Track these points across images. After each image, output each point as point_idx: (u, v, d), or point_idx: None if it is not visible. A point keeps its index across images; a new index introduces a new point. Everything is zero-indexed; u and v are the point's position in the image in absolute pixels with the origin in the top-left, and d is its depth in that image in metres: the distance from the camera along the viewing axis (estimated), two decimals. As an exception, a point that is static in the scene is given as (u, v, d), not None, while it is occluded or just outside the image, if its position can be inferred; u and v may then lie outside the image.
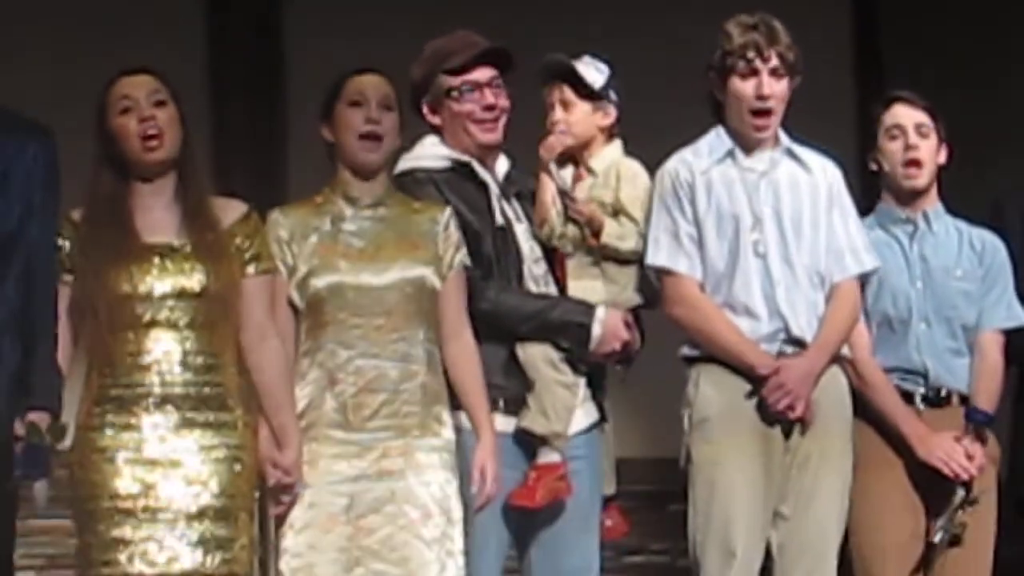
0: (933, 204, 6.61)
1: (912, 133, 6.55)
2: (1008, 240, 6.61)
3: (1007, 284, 6.56)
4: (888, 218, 6.56)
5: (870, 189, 6.71)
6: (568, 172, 6.61)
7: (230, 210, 6.08)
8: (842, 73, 7.10)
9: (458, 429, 6.11)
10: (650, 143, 6.61)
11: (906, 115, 6.61)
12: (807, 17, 6.63)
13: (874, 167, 6.63)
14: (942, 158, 6.61)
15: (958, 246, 6.58)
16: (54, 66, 7.17)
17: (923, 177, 6.56)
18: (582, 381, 6.34)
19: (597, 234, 6.42)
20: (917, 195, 6.58)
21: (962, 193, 6.83)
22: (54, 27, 7.75)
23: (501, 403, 6.21)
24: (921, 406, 6.42)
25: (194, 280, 5.90)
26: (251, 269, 6.02)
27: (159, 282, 5.89)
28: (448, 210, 6.20)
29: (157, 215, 5.98)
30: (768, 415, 6.16)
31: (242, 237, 6.02)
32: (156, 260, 5.91)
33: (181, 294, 5.91)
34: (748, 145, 6.33)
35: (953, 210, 6.68)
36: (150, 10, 8.75)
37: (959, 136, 6.81)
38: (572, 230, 6.48)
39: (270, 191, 7.19)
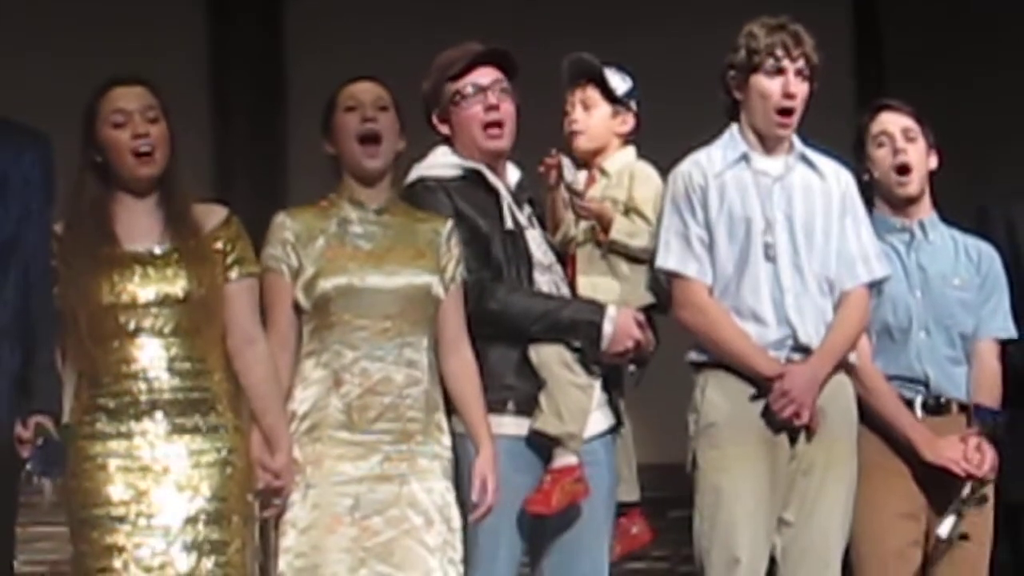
0: (928, 212, 6.54)
1: (899, 138, 6.47)
2: (999, 244, 6.58)
3: (1003, 294, 6.48)
4: (884, 227, 6.42)
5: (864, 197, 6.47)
6: (583, 175, 6.52)
7: (211, 215, 5.98)
8: (843, 78, 6.82)
9: (454, 434, 5.99)
10: (661, 147, 6.49)
11: (892, 121, 6.53)
12: (808, 22, 6.36)
13: (866, 177, 6.50)
14: (932, 163, 6.54)
15: (954, 255, 6.50)
16: (55, 75, 6.93)
17: (914, 183, 6.47)
18: (597, 383, 6.23)
19: (606, 229, 6.32)
20: (910, 203, 6.49)
21: (959, 198, 6.81)
22: (56, 37, 7.62)
23: (511, 405, 6.10)
24: (921, 413, 6.30)
25: (177, 287, 5.80)
26: (234, 273, 5.90)
27: (142, 290, 5.77)
28: (450, 223, 6.13)
29: (139, 223, 5.86)
30: (774, 422, 6.02)
31: (224, 241, 5.91)
32: (138, 268, 5.80)
33: (165, 301, 5.80)
34: (766, 145, 6.22)
35: (947, 217, 6.61)
36: (153, 22, 8.65)
37: (958, 142, 6.79)
38: (583, 226, 6.41)
39: (270, 202, 7.23)
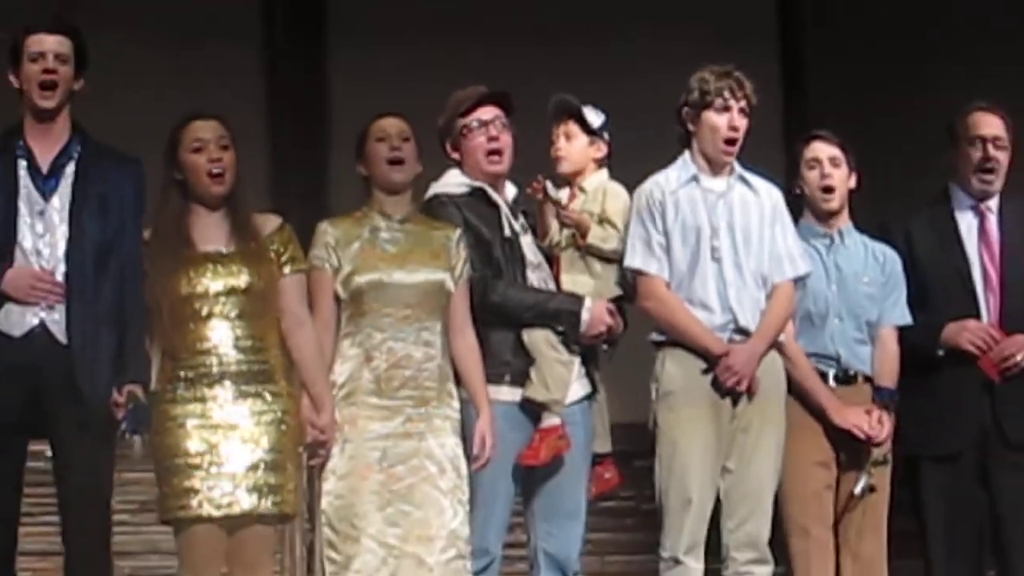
0: (845, 222, 6.53)
1: (827, 164, 6.47)
2: (898, 248, 6.56)
3: (902, 290, 6.48)
4: (809, 233, 6.44)
5: (791, 208, 6.50)
6: (564, 192, 6.57)
7: (268, 223, 6.03)
8: (772, 114, 6.85)
9: (462, 400, 6.04)
10: (628, 169, 6.54)
11: (822, 149, 6.51)
12: (745, 67, 6.46)
13: (797, 191, 6.53)
14: (852, 184, 6.52)
15: (864, 257, 6.49)
16: (144, 112, 6.88)
17: (836, 201, 6.47)
18: (576, 360, 6.26)
19: (584, 235, 6.38)
20: (832, 215, 6.49)
21: (874, 209, 6.81)
22: (144, 81, 7.60)
23: (508, 377, 6.14)
24: (833, 384, 6.34)
25: (241, 280, 5.85)
26: (287, 270, 5.96)
27: (213, 283, 5.83)
28: (459, 231, 6.18)
29: (211, 229, 5.89)
30: (720, 389, 6.08)
31: (278, 244, 5.97)
32: (210, 265, 5.85)
33: (231, 291, 5.85)
34: (713, 169, 6.26)
35: (860, 226, 6.58)
36: (222, 68, 8.66)
37: (868, 166, 6.71)
38: (565, 233, 6.45)
39: (315, 212, 7.12)
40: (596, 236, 6.34)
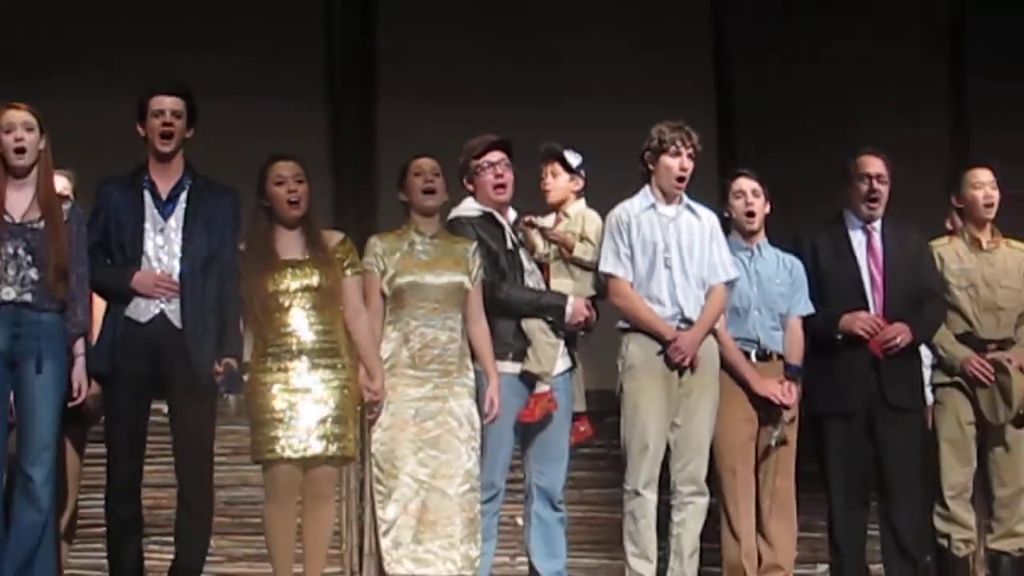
0: (762, 239, 6.52)
1: (749, 195, 6.45)
2: (803, 261, 6.52)
3: (804, 289, 6.45)
4: (736, 247, 6.41)
5: (724, 228, 6.43)
6: (551, 217, 6.62)
7: (333, 238, 6.08)
8: (709, 158, 6.86)
9: (476, 371, 6.06)
10: (601, 199, 6.56)
11: (745, 184, 6.48)
12: (689, 119, 6.50)
13: (727, 215, 6.48)
14: (767, 210, 6.49)
15: (777, 265, 6.46)
16: (231, 152, 6.82)
17: (756, 223, 6.46)
18: (561, 342, 6.26)
19: (571, 250, 6.42)
20: (753, 234, 6.47)
21: (785, 228, 6.74)
22: (232, 125, 7.47)
23: (510, 355, 6.16)
24: (754, 360, 6.33)
25: (313, 280, 5.87)
26: (348, 273, 5.99)
27: (292, 283, 5.85)
28: (475, 244, 6.17)
29: (290, 243, 5.93)
30: (669, 364, 6.10)
31: (341, 253, 6.00)
32: (289, 270, 5.87)
33: (306, 289, 5.86)
34: (667, 199, 6.28)
35: (773, 242, 6.57)
36: (294, 116, 8.56)
37: (784, 193, 6.74)
38: (552, 248, 6.48)
39: (367, 229, 7.07)
40: (579, 251, 6.37)
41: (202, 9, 8.83)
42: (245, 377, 5.81)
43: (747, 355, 6.29)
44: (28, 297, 5.45)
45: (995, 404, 6.39)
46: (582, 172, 6.64)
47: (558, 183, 6.61)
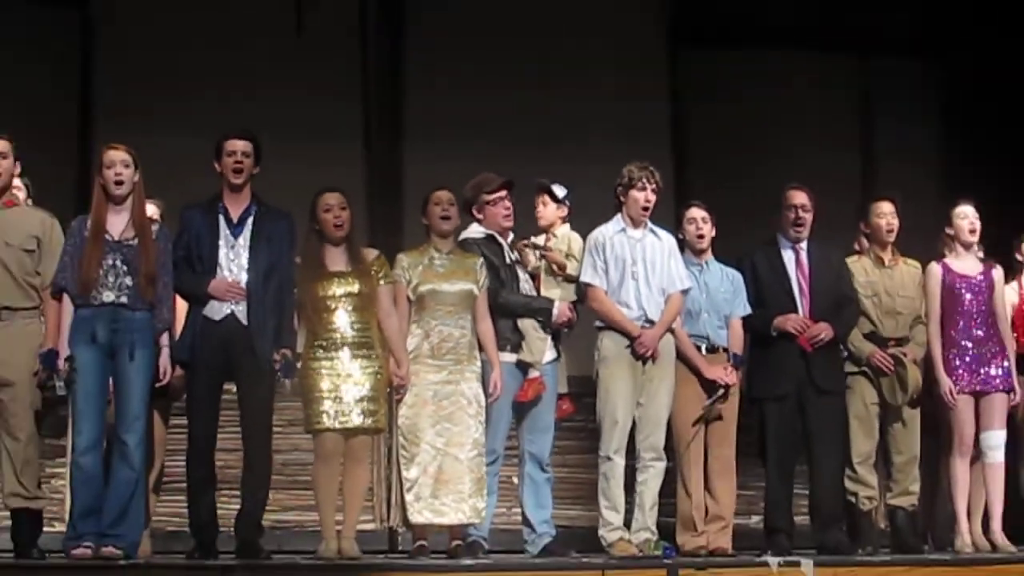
0: (710, 256, 6.47)
1: (700, 222, 6.41)
2: (744, 273, 6.49)
3: (743, 295, 6.41)
4: (689, 263, 6.35)
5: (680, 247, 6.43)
6: (542, 238, 6.61)
7: (370, 254, 6.02)
8: (668, 191, 6.85)
9: (482, 361, 6.02)
10: (583, 224, 6.53)
11: (696, 212, 6.44)
12: (652, 160, 6.49)
13: (681, 237, 6.43)
14: (713, 233, 6.44)
15: (721, 277, 6.42)
16: (286, 180, 6.71)
17: (705, 244, 6.42)
18: (549, 337, 6.25)
19: (563, 268, 6.43)
20: (702, 252, 6.43)
21: (728, 248, 6.66)
22: (286, 164, 7.24)
23: (509, 347, 6.12)
24: (704, 352, 6.28)
25: (354, 288, 5.82)
26: (381, 282, 5.93)
27: (337, 289, 5.81)
28: (481, 259, 6.12)
29: (335, 258, 5.89)
30: (635, 356, 6.07)
31: (376, 267, 5.94)
32: (335, 279, 5.84)
33: (348, 295, 5.82)
34: (635, 224, 6.24)
35: (718, 258, 6.52)
36: (336, 156, 8.47)
37: (725, 222, 6.65)
38: (543, 264, 6.48)
39: (394, 246, 6.86)
40: (566, 267, 6.38)
41: (264, 67, 8.83)
42: (298, 364, 5.79)
43: (698, 348, 6.25)
44: (124, 299, 5.45)
45: (894, 389, 6.39)
46: (567, 201, 6.64)
47: (547, 211, 6.62)
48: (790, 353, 6.33)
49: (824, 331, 6.31)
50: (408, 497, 5.89)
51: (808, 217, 6.46)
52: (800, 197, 6.47)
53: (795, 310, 6.38)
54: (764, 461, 6.48)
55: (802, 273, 6.46)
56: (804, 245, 6.49)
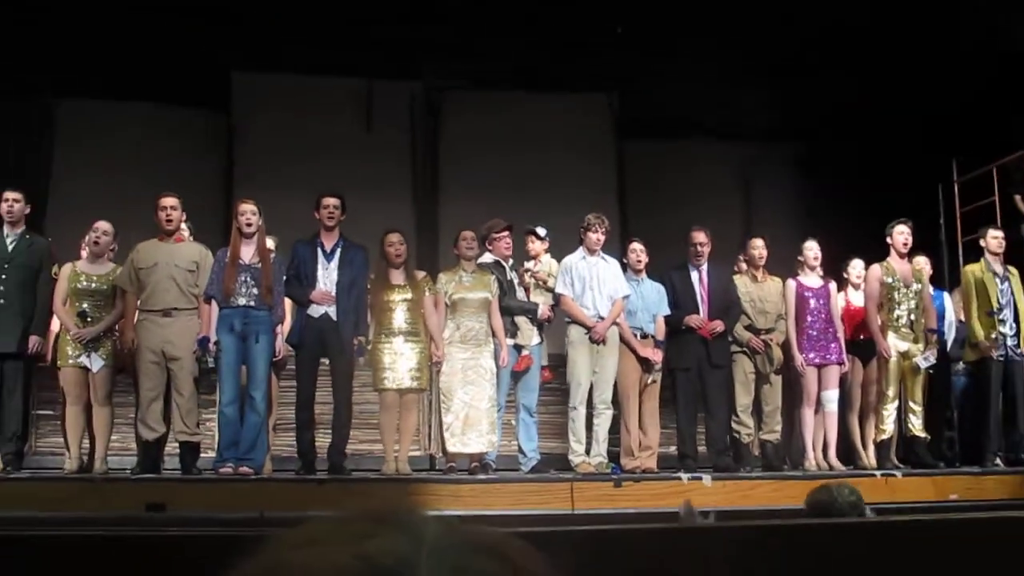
0: (643, 275, 6.35)
1: (638, 252, 6.33)
2: (665, 285, 6.36)
3: (666, 301, 6.28)
4: (629, 279, 6.16)
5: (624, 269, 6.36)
6: (532, 262, 6.54)
7: (419, 274, 5.97)
8: (614, 230, 6.75)
9: (494, 345, 5.94)
10: (559, 253, 6.45)
11: (636, 245, 6.36)
12: (601, 208, 6.57)
13: (625, 260, 6.34)
14: (646, 259, 6.34)
15: (651, 288, 6.26)
16: (359, 223, 6.32)
17: (640, 266, 6.30)
18: (536, 328, 6.25)
19: (544, 283, 6.35)
20: (639, 271, 6.30)
21: (655, 267, 6.52)
22: (359, 210, 6.78)
23: (509, 335, 6.10)
24: (639, 338, 6.15)
25: (408, 295, 5.78)
26: (427, 293, 5.86)
27: (396, 296, 5.78)
28: (494, 276, 6.03)
29: (395, 277, 5.84)
30: (592, 340, 5.98)
31: (423, 283, 5.88)
32: (397, 289, 5.80)
33: (404, 300, 5.79)
34: (591, 253, 6.15)
35: (650, 276, 6.39)
36: (390, 208, 8.03)
37: (654, 251, 6.54)
38: (533, 281, 6.40)
39: (435, 269, 6.60)
40: (551, 284, 6.26)
41: (347, 150, 8.64)
42: (369, 347, 5.76)
43: (635, 335, 6.18)
44: (252, 303, 5.52)
45: (764, 363, 6.34)
46: (547, 239, 6.60)
47: (535, 246, 6.56)
48: (694, 340, 6.25)
49: (718, 325, 6.24)
50: (446, 435, 5.87)
51: (706, 249, 6.38)
52: (700, 236, 6.39)
53: (698, 311, 6.30)
54: (676, 410, 6.41)
55: (703, 286, 6.36)
56: (704, 267, 6.39)
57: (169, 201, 5.69)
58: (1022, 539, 1.94)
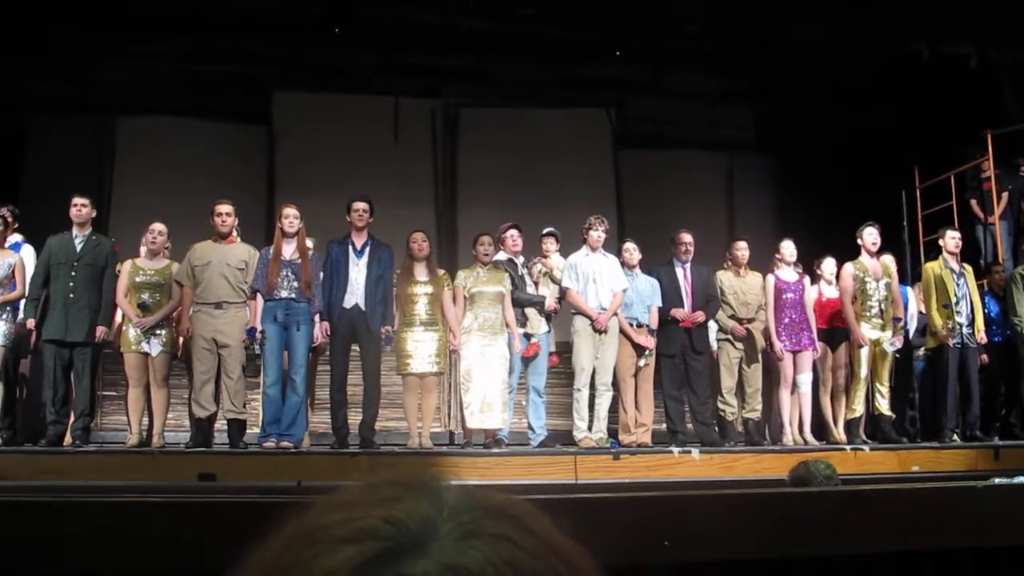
0: (638, 270, 6.17)
1: (633, 251, 6.27)
2: (657, 278, 6.29)
3: (658, 294, 6.22)
4: (626, 273, 6.12)
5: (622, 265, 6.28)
6: (544, 259, 6.48)
7: (440, 270, 6.02)
8: (612, 231, 6.69)
9: (508, 333, 5.88)
10: (567, 252, 6.39)
11: (630, 245, 6.27)
12: (599, 211, 6.49)
13: (622, 259, 6.23)
14: (640, 256, 6.27)
15: (645, 282, 6.21)
16: (387, 225, 6.30)
17: (635, 262, 6.24)
18: (544, 319, 6.18)
19: (560, 282, 6.20)
20: (634, 267, 6.23)
21: (648, 264, 6.44)
22: (387, 214, 6.72)
23: (520, 324, 6.05)
24: (634, 327, 6.10)
25: (429, 289, 5.77)
26: (446, 287, 5.84)
27: (419, 290, 5.76)
28: (506, 273, 5.95)
29: (420, 271, 5.81)
30: (595, 329, 5.95)
31: (444, 278, 5.89)
32: (419, 283, 5.77)
33: (426, 293, 5.77)
34: (594, 251, 6.11)
35: (644, 271, 6.32)
36: (419, 222, 7.59)
37: (647, 249, 6.48)
38: (542, 276, 6.33)
39: (454, 267, 6.69)
40: (560, 278, 6.15)
41: (377, 159, 8.62)
42: (394, 335, 5.72)
43: (632, 325, 6.13)
44: (292, 295, 5.50)
45: (747, 349, 6.35)
46: (558, 241, 6.55)
47: (548, 246, 6.51)
48: (679, 330, 6.22)
49: (700, 316, 6.21)
50: (465, 412, 5.82)
51: (691, 249, 6.32)
52: (686, 236, 6.34)
53: (683, 304, 6.27)
54: (662, 392, 6.37)
55: (687, 282, 6.32)
56: (688, 265, 6.34)
57: (224, 208, 5.68)
58: (975, 506, 1.99)
